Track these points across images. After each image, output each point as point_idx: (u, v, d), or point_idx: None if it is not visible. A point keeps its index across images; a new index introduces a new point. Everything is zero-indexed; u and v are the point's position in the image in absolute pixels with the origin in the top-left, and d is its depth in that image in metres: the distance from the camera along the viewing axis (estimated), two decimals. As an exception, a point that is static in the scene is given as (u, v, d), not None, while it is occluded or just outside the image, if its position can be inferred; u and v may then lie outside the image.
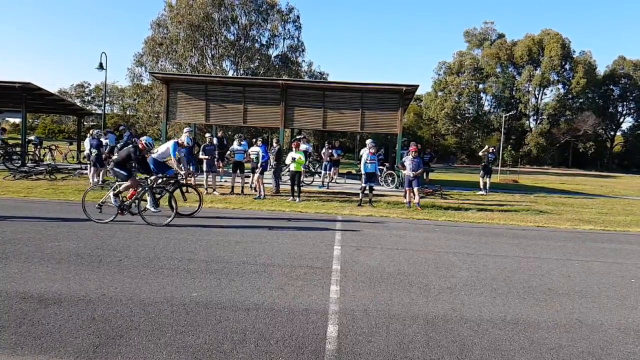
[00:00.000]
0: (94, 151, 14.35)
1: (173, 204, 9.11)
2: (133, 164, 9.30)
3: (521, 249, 8.24)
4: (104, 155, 14.71)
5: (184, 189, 10.49)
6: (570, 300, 5.42)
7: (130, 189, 9.09)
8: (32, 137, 21.96)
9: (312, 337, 4.04)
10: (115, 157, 11.01)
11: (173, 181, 9.95)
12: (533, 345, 4.11)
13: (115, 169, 9.18)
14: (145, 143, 9.32)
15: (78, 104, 55.96)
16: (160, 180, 9.42)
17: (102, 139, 15.25)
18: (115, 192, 9.00)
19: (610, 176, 45.20)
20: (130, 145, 9.65)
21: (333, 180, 17.96)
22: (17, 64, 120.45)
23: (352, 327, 4.30)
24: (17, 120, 22.62)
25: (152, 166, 10.18)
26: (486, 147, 18.68)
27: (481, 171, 17.87)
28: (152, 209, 9.04)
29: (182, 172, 10.72)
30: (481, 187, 17.72)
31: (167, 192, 9.33)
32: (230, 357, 3.61)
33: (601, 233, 10.68)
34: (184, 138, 12.09)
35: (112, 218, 8.78)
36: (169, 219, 8.78)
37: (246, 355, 3.65)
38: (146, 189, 9.02)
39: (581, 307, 5.22)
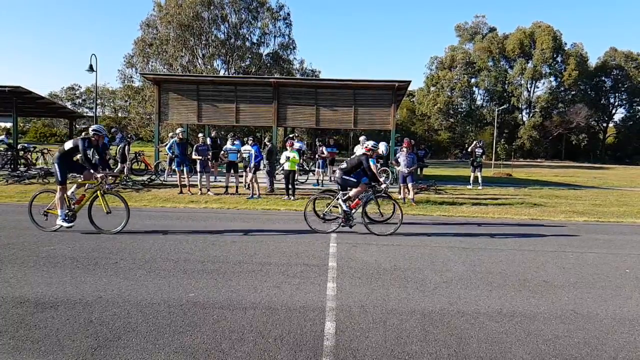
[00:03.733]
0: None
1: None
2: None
3: (516, 241, 8.29)
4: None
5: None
6: (565, 292, 5.47)
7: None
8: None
9: (309, 334, 4.06)
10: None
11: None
12: (529, 336, 4.15)
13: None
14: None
15: (69, 106, 55.62)
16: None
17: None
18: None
19: (603, 168, 45.49)
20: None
21: (330, 179, 17.96)
22: (7, 68, 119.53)
23: (349, 323, 4.32)
24: (8, 125, 22.45)
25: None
26: (474, 142, 18.95)
27: (471, 166, 18.31)
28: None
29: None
30: (470, 181, 18.05)
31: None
32: (228, 356, 3.62)
33: (595, 224, 10.77)
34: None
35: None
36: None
37: (245, 354, 3.66)
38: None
39: (576, 298, 5.27)
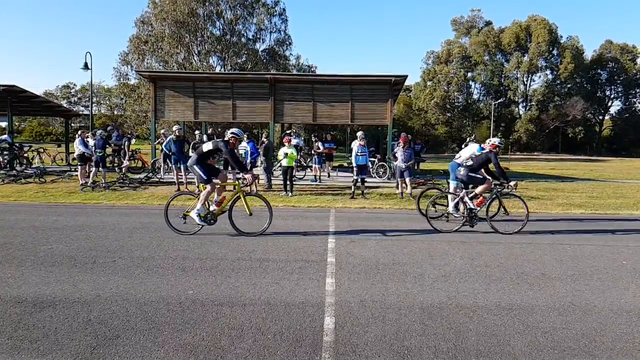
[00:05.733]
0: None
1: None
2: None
3: (513, 235, 8.30)
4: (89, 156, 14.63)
5: None
6: (563, 284, 5.49)
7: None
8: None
9: (309, 330, 4.06)
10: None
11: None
12: (528, 329, 4.16)
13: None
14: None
15: (65, 105, 55.44)
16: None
17: (89, 140, 15.13)
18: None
19: (599, 160, 45.58)
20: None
21: (328, 175, 17.98)
22: (0, 68, 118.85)
23: (348, 319, 4.32)
24: (4, 124, 22.39)
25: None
26: (468, 139, 19.22)
27: None
28: None
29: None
30: None
31: None
32: (228, 353, 3.62)
33: (592, 216, 10.80)
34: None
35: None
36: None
37: (244, 351, 3.66)
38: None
39: (574, 290, 5.28)
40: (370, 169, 16.98)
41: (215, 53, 40.84)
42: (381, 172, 17.69)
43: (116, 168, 17.38)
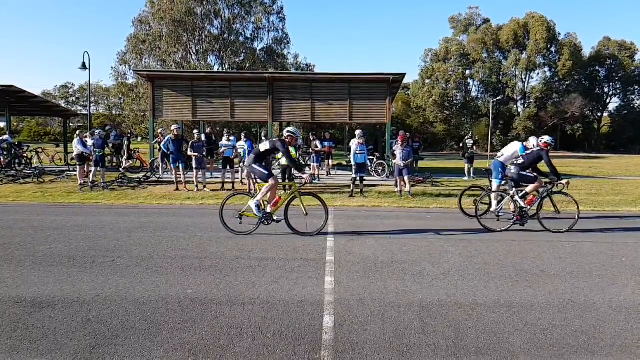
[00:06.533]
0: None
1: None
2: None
3: (512, 232, 8.31)
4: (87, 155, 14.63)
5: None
6: (562, 281, 5.49)
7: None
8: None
9: (308, 329, 4.06)
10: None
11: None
12: (527, 326, 4.17)
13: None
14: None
15: (63, 105, 55.39)
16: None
17: (88, 139, 15.12)
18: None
19: (598, 157, 45.62)
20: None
21: (327, 174, 17.98)
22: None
23: (348, 317, 4.32)
24: (2, 124, 22.36)
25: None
26: (466, 137, 19.57)
27: (464, 158, 19.08)
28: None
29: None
30: (466, 173, 18.63)
31: None
32: (227, 352, 3.62)
33: (591, 213, 10.80)
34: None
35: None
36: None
37: (243, 350, 3.66)
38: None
39: (573, 287, 5.29)
40: (369, 167, 16.98)
41: (213, 52, 40.75)
42: (380, 171, 17.69)
43: (120, 168, 17.36)
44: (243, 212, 7.84)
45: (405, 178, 13.08)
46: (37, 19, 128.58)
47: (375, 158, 18.23)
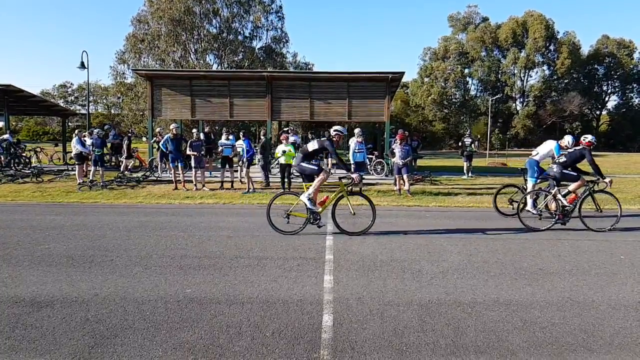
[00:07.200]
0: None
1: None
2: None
3: (511, 230, 8.32)
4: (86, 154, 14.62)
5: None
6: (561, 279, 5.49)
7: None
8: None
9: (307, 327, 4.06)
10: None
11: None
12: (526, 324, 4.17)
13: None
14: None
15: (61, 104, 55.28)
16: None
17: (86, 139, 15.10)
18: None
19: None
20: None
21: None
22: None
23: (347, 316, 4.32)
24: (0, 124, 22.31)
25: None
26: (465, 135, 19.66)
27: (462, 156, 19.04)
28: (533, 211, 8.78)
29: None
30: (464, 171, 18.57)
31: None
32: (226, 351, 3.62)
33: (590, 211, 10.78)
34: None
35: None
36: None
37: (242, 349, 3.66)
38: None
39: (572, 285, 5.29)
40: (368, 166, 16.98)
41: (212, 51, 40.70)
42: (379, 169, 17.69)
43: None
44: (291, 211, 7.83)
45: (404, 177, 13.09)
46: (35, 18, 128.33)
47: (374, 157, 18.22)
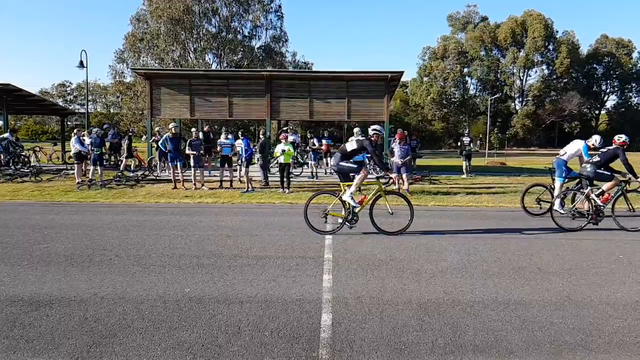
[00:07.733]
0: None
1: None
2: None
3: (510, 230, 8.32)
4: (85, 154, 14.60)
5: None
6: (559, 279, 5.50)
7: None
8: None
9: (306, 327, 4.06)
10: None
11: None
12: (525, 324, 4.17)
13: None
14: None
15: (60, 103, 55.26)
16: None
17: (85, 138, 15.08)
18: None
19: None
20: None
21: (325, 172, 17.97)
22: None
23: (345, 315, 4.32)
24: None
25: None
26: (464, 134, 19.76)
27: (461, 156, 19.14)
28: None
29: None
30: (463, 170, 18.62)
31: None
32: (225, 350, 3.61)
33: (623, 210, 10.77)
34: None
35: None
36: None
37: (241, 348, 3.66)
38: None
39: (571, 284, 5.30)
40: (368, 165, 16.95)
41: (211, 50, 40.73)
42: (378, 169, 17.67)
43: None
44: (328, 211, 7.80)
45: (404, 176, 13.09)
46: (34, 17, 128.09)
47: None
